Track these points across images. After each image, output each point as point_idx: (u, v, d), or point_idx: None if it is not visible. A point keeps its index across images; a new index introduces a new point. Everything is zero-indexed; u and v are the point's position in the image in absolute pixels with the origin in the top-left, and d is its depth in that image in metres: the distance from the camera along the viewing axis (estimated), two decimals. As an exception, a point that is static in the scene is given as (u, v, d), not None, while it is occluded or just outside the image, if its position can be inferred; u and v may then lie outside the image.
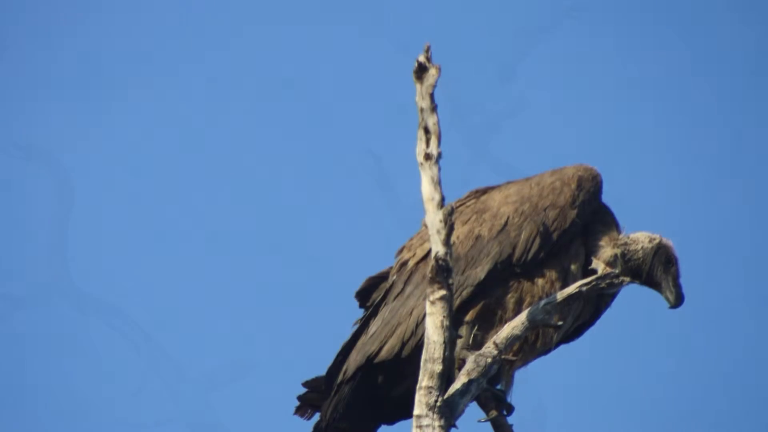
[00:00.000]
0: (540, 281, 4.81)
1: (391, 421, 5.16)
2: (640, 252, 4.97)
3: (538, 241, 4.80)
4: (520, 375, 5.00)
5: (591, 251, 4.99)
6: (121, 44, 13.99)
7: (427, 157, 4.29)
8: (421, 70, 4.30)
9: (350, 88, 14.50)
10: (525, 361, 4.91)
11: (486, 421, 4.79)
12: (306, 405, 5.07)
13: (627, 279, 4.77)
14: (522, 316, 4.47)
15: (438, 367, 4.20)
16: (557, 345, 5.12)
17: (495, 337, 4.46)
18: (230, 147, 14.47)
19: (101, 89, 13.65)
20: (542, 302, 4.51)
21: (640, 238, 5.03)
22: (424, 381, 4.20)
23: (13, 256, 12.44)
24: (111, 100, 13.76)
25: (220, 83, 14.53)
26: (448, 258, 4.19)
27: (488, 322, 4.76)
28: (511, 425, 4.82)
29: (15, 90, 13.24)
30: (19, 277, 12.06)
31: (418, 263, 4.96)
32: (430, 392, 4.20)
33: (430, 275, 4.20)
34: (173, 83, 14.41)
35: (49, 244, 12.63)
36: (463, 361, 4.51)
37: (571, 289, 4.52)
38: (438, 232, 4.19)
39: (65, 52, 13.78)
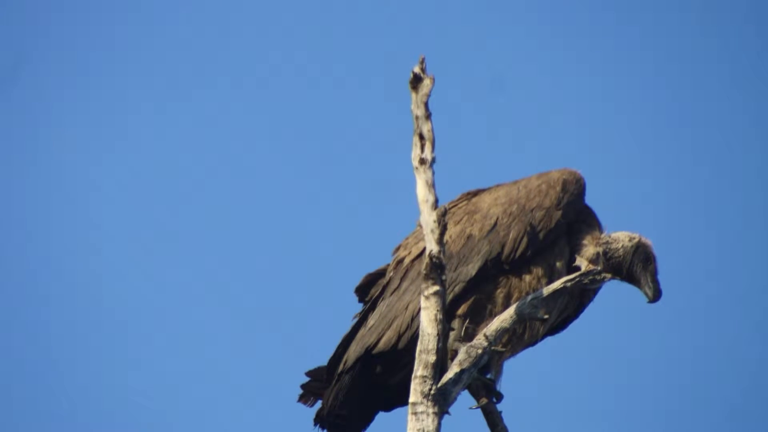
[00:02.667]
0: (527, 277, 4.86)
1: (388, 408, 5.21)
2: (621, 250, 5.05)
3: (525, 240, 4.86)
4: (509, 365, 5.04)
5: (575, 249, 5.06)
6: (123, 49, 14.08)
7: (422, 161, 4.41)
8: (416, 81, 4.42)
9: (350, 92, 14.57)
10: (513, 352, 4.97)
11: (477, 408, 4.87)
12: (309, 393, 5.13)
13: (608, 275, 4.91)
14: (510, 310, 4.58)
15: (432, 358, 4.32)
16: (544, 337, 5.18)
17: (485, 329, 4.57)
18: (231, 147, 14.56)
19: (108, 93, 13.74)
20: (529, 297, 4.62)
21: (621, 237, 5.09)
22: (419, 371, 4.32)
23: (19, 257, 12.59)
24: (115, 101, 13.87)
25: (219, 83, 14.63)
26: (441, 256, 4.32)
27: (479, 316, 4.82)
28: (500, 412, 4.90)
29: (31, 98, 13.30)
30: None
31: (413, 261, 5.01)
32: (425, 381, 4.31)
33: (424, 272, 4.34)
34: (174, 83, 14.50)
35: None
36: (455, 352, 4.60)
37: (557, 284, 4.64)
38: (432, 231, 4.33)
39: (67, 56, 13.87)
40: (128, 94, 13.37)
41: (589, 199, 5.22)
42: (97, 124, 13.19)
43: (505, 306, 4.76)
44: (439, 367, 4.36)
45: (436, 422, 4.33)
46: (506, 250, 4.88)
